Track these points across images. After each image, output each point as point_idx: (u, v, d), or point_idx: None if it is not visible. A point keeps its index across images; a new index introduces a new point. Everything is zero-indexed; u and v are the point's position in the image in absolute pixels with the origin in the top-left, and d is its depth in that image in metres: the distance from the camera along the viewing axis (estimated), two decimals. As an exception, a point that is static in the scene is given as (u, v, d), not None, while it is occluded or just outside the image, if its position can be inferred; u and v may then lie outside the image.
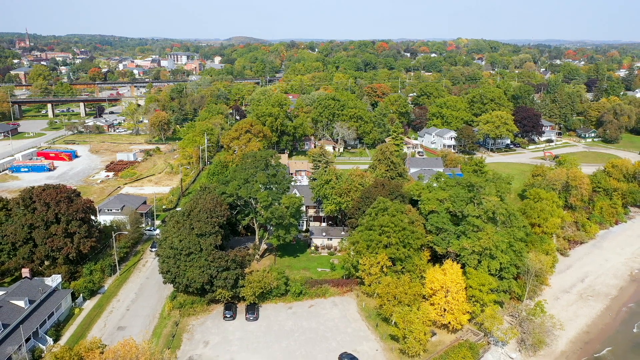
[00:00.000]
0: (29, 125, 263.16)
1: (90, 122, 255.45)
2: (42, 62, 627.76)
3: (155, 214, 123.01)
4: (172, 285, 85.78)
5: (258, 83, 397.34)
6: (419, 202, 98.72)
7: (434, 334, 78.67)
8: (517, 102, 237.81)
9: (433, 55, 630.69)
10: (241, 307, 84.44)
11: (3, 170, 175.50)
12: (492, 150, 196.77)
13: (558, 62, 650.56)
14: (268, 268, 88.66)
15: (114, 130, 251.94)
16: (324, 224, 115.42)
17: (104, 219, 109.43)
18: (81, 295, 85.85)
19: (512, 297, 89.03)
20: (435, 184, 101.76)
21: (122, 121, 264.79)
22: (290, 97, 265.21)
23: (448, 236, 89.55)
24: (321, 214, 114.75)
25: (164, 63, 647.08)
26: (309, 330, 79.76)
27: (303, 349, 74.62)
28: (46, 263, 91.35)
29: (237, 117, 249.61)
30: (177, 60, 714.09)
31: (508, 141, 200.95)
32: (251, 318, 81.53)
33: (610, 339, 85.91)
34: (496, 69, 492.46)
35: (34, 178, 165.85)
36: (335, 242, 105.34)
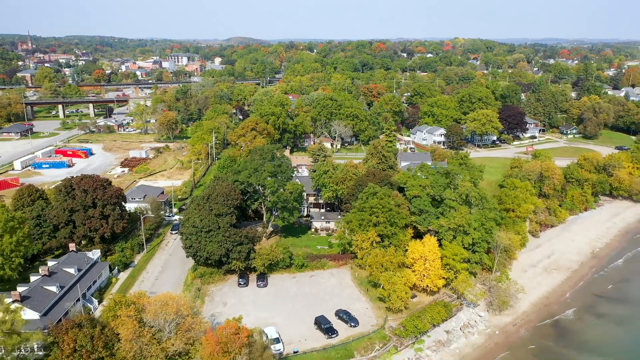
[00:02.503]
0: (42, 125, 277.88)
1: (101, 122, 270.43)
2: (45, 64, 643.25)
3: (172, 202, 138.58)
4: (193, 259, 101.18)
5: (258, 84, 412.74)
6: (405, 189, 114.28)
7: (414, 296, 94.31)
8: (505, 101, 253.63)
9: (429, 55, 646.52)
10: (252, 276, 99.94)
11: (26, 167, 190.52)
12: (478, 146, 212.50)
13: (552, 61, 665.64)
14: (275, 244, 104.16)
15: (124, 130, 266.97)
16: (322, 210, 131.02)
17: (129, 206, 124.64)
18: (116, 267, 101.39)
19: (484, 268, 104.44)
20: (419, 173, 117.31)
21: (131, 121, 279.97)
22: (291, 97, 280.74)
23: (429, 216, 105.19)
24: (320, 201, 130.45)
25: (165, 64, 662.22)
26: (310, 295, 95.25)
27: (305, 308, 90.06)
28: (83, 242, 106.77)
29: (240, 117, 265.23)
30: (178, 62, 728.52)
31: (494, 138, 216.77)
32: (261, 285, 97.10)
33: (567, 303, 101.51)
34: (489, 69, 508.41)
35: (55, 174, 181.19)
36: (332, 225, 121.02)
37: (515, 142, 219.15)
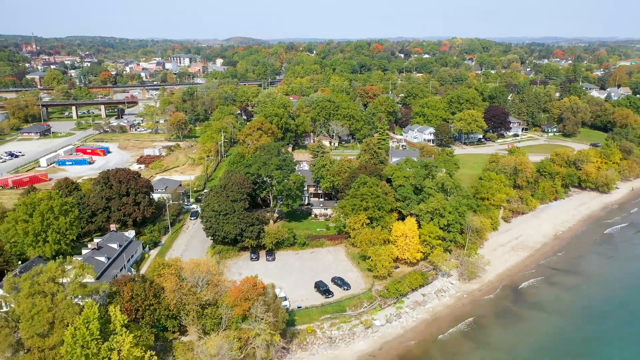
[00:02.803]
0: (58, 125, 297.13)
1: (114, 122, 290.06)
2: (51, 66, 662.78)
3: (190, 194, 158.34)
4: (212, 238, 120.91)
5: (260, 85, 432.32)
6: (392, 180, 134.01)
7: (397, 267, 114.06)
8: (492, 102, 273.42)
9: (426, 56, 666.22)
10: (262, 253, 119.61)
11: (51, 164, 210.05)
12: (465, 143, 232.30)
13: (546, 61, 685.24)
14: (281, 226, 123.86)
15: (135, 130, 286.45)
16: (321, 199, 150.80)
17: (153, 196, 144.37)
18: (147, 246, 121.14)
19: (457, 245, 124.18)
20: (404, 166, 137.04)
21: (141, 121, 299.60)
22: (291, 98, 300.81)
23: (411, 202, 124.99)
24: (319, 191, 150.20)
25: (168, 65, 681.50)
26: (311, 268, 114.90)
27: (307, 277, 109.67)
28: (118, 225, 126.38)
29: (245, 117, 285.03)
30: (180, 62, 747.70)
31: (480, 136, 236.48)
32: (270, 259, 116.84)
33: (526, 275, 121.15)
34: (483, 70, 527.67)
35: (77, 170, 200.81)
36: (329, 211, 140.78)
37: (499, 140, 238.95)
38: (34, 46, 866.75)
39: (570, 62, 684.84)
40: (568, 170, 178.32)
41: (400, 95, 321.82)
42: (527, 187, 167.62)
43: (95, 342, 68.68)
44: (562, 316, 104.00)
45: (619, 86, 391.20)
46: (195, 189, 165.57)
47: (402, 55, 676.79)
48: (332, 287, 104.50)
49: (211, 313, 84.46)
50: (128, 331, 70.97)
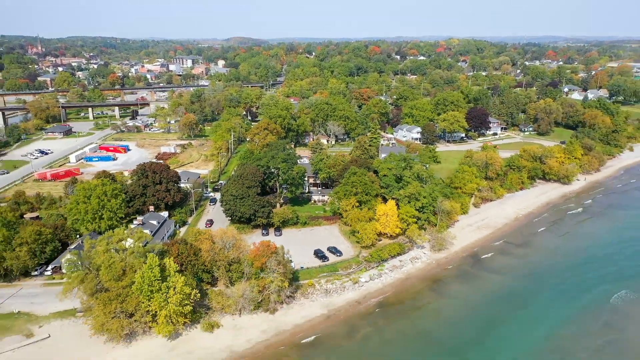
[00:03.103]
0: (77, 126, 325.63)
1: (130, 123, 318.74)
2: (59, 68, 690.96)
3: (207, 184, 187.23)
4: (229, 218, 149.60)
5: (262, 87, 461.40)
6: (378, 171, 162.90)
7: (380, 239, 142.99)
8: (477, 103, 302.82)
9: (421, 57, 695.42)
10: (271, 230, 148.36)
11: (79, 160, 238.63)
12: (448, 141, 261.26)
13: (537, 62, 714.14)
14: (286, 208, 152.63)
15: (149, 130, 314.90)
16: (319, 188, 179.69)
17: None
18: (177, 224, 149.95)
19: (431, 224, 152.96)
20: (388, 160, 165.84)
21: (154, 122, 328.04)
22: (292, 100, 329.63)
23: (393, 189, 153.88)
24: (317, 181, 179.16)
25: (172, 67, 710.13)
26: (311, 240, 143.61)
27: (307, 247, 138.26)
28: (152, 208, 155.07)
29: (249, 118, 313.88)
30: (183, 64, 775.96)
31: (462, 135, 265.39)
32: (278, 235, 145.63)
33: (486, 247, 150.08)
34: (475, 71, 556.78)
35: (103, 165, 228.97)
36: (326, 197, 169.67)
37: (479, 138, 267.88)
38: (39, 47, 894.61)
39: (560, 63, 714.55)
40: (534, 164, 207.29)
41: (394, 96, 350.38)
42: (496, 179, 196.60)
43: (157, 282, 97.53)
44: (509, 277, 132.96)
45: (599, 88, 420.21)
46: (211, 180, 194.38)
47: (398, 57, 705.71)
48: (328, 254, 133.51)
49: (236, 268, 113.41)
50: (179, 274, 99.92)
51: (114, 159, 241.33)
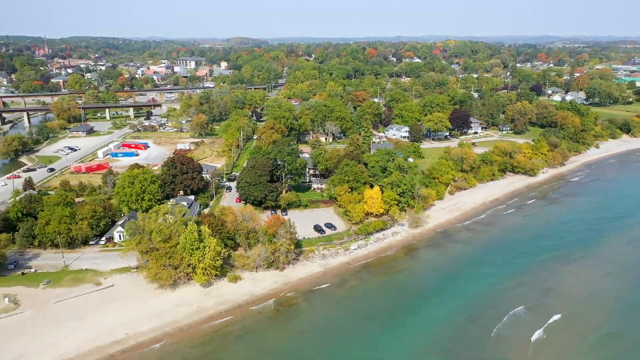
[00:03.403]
0: (97, 125, 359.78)
1: (146, 122, 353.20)
2: (68, 69, 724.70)
3: (223, 175, 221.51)
4: (244, 201, 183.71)
5: (265, 88, 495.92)
6: (367, 163, 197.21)
7: (367, 218, 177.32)
8: (461, 105, 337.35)
9: (417, 60, 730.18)
10: (278, 211, 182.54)
11: (106, 155, 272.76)
12: (433, 139, 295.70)
13: (529, 65, 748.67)
14: (291, 194, 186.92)
15: (163, 129, 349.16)
16: (318, 178, 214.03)
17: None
18: (201, 206, 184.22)
19: (410, 207, 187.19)
20: (376, 154, 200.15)
21: (166, 121, 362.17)
22: (294, 101, 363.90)
23: (379, 177, 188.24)
24: (317, 172, 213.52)
25: (176, 69, 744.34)
26: (311, 219, 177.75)
27: (308, 224, 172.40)
28: (181, 192, 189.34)
29: (255, 118, 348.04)
30: (187, 65, 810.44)
31: (446, 133, 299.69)
32: (284, 215, 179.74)
33: (454, 225, 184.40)
34: (466, 74, 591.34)
35: (128, 160, 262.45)
36: (324, 186, 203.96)
37: (461, 137, 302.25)
38: (46, 49, 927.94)
39: (551, 65, 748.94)
40: (504, 159, 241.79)
41: (387, 99, 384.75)
42: (470, 171, 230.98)
43: (196, 242, 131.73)
44: (470, 246, 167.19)
45: (580, 90, 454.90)
46: (225, 172, 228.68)
47: (395, 60, 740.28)
48: (325, 229, 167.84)
49: (253, 235, 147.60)
50: (212, 237, 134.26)
51: (137, 155, 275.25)
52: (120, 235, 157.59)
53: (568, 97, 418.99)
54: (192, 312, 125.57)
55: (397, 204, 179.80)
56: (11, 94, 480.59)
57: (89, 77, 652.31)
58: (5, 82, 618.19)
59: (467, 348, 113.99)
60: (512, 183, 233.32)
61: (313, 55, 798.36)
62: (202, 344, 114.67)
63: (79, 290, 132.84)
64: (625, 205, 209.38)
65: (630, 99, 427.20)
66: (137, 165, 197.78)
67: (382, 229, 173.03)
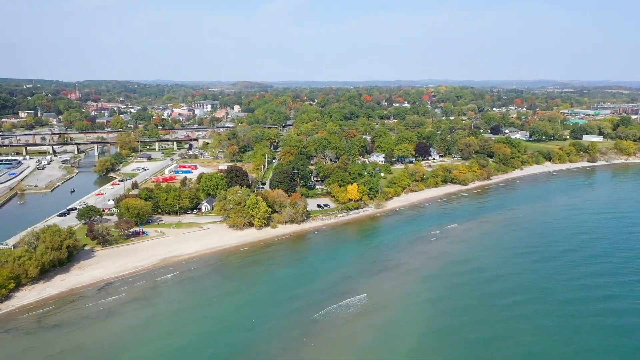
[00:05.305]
0: (152, 154, 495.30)
1: (191, 152, 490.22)
2: (102, 111, 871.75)
3: (257, 182, 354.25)
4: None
5: (277, 127, 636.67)
6: (351, 172, 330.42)
7: (349, 201, 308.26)
8: (427, 140, 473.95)
9: (405, 104, 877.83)
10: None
11: (170, 173, 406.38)
12: (402, 163, 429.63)
13: (504, 109, 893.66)
14: (302, 190, 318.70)
15: (202, 157, 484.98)
16: (320, 181, 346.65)
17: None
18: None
19: (376, 198, 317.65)
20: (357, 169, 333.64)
21: (204, 152, 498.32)
22: (301, 137, 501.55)
23: (357, 179, 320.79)
24: (318, 178, 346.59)
25: (197, 111, 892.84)
26: (315, 203, 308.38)
27: (314, 204, 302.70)
28: (238, 187, 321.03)
29: (273, 149, 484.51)
30: (204, 108, 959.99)
31: (412, 159, 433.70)
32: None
33: (398, 208, 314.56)
34: (445, 117, 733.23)
35: (186, 175, 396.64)
36: (323, 186, 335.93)
37: (423, 162, 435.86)
38: (77, 93, 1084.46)
39: (524, 109, 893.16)
40: (445, 173, 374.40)
41: (372, 135, 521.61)
42: (421, 181, 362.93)
43: (256, 205, 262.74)
44: (406, 217, 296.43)
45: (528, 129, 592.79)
46: (258, 180, 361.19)
47: (386, 104, 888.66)
48: (323, 206, 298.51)
49: (282, 205, 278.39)
50: (263, 202, 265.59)
51: (191, 172, 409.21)
52: (204, 208, 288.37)
53: (517, 135, 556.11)
54: (253, 239, 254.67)
55: (367, 195, 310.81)
56: (76, 132, 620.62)
57: (123, 117, 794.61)
58: (55, 122, 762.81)
59: (379, 255, 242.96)
60: (449, 189, 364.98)
61: (316, 100, 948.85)
62: (259, 248, 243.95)
63: (192, 230, 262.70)
64: (510, 201, 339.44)
65: (566, 136, 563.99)
66: (202, 174, 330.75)
67: (357, 208, 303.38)
